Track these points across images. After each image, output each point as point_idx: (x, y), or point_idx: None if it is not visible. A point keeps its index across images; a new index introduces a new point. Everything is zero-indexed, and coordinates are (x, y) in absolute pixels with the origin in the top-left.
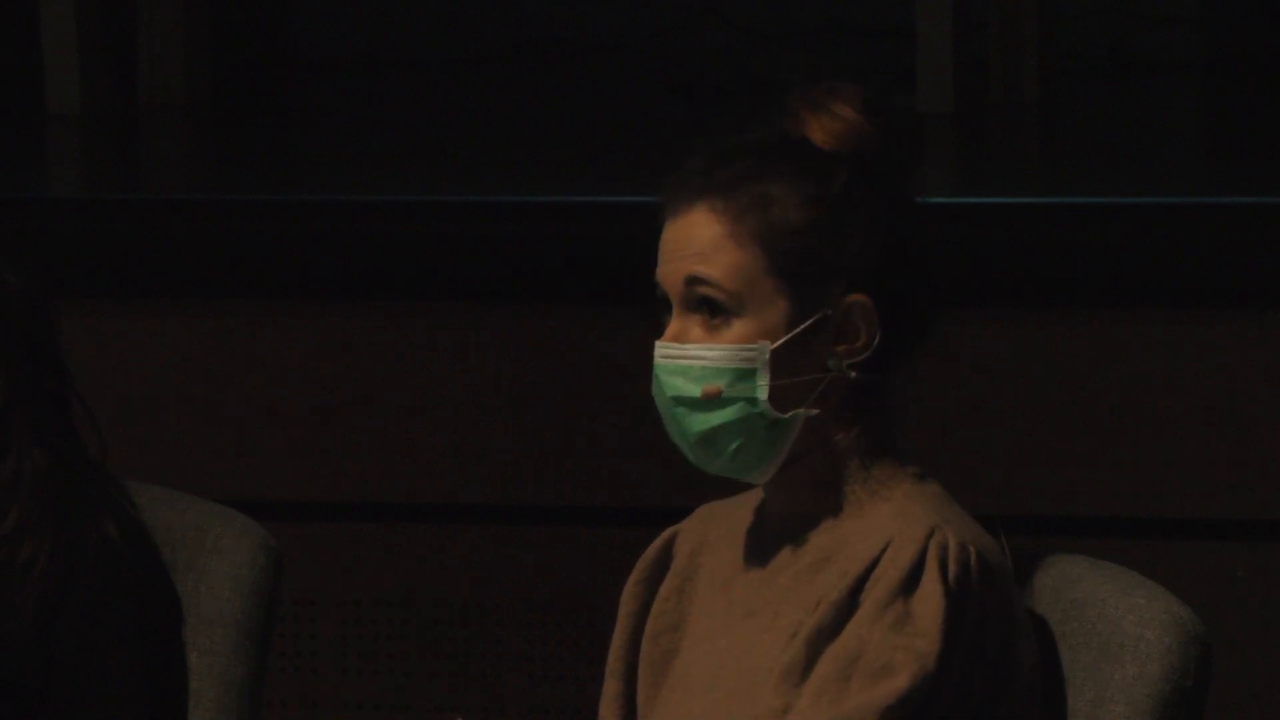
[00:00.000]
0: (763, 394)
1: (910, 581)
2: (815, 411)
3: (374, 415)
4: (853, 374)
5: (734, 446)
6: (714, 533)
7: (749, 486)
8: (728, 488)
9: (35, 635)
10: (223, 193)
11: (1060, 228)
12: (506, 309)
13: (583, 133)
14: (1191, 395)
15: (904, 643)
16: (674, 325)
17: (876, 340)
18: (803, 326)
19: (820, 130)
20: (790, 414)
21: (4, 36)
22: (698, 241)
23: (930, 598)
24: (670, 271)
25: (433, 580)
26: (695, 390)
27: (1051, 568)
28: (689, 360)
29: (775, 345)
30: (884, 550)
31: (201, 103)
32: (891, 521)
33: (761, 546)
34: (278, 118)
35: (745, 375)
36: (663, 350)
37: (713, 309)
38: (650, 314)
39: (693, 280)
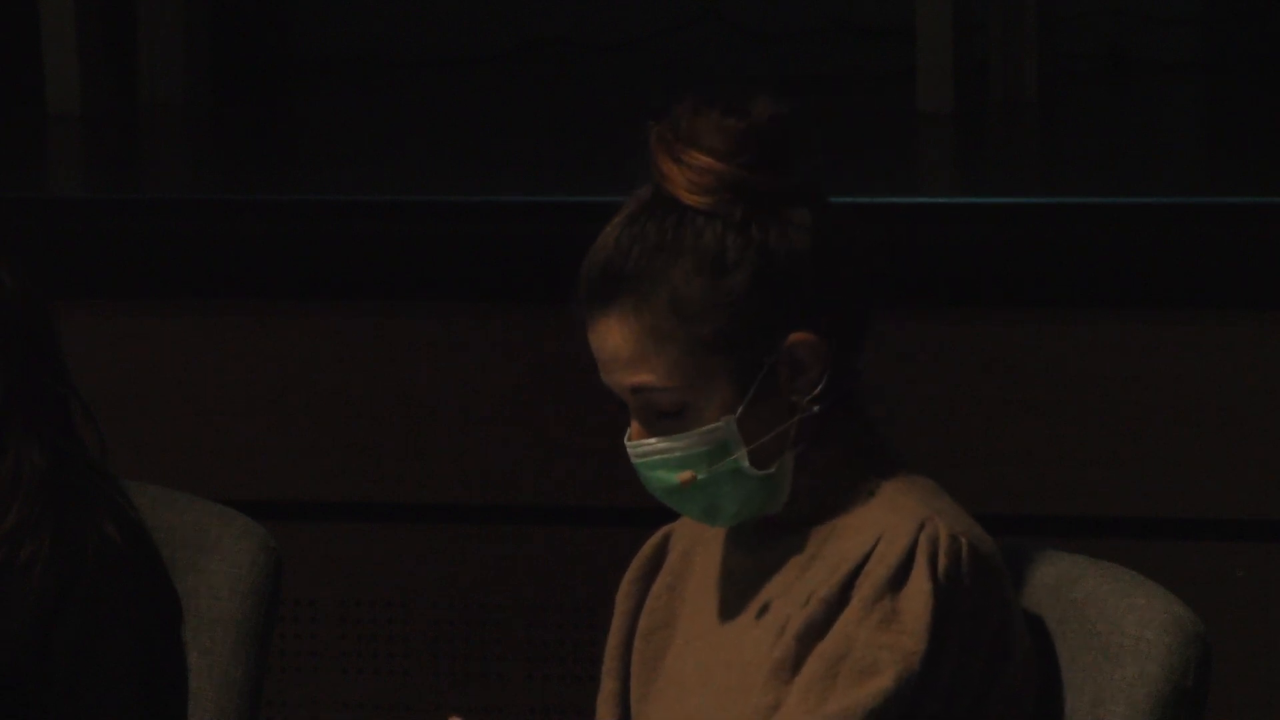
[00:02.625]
0: (744, 462)
1: (899, 577)
2: (801, 447)
3: (374, 415)
4: (816, 408)
5: (736, 507)
6: (707, 531)
7: None
8: None
9: (34, 635)
10: (223, 193)
11: (1060, 228)
12: (506, 309)
13: (583, 133)
14: (1191, 395)
15: (890, 641)
16: (635, 426)
17: (829, 368)
18: (754, 388)
19: (682, 187)
20: (776, 465)
21: (4, 36)
22: (623, 352)
23: (918, 594)
24: (613, 382)
25: (433, 580)
26: (675, 479)
27: (1051, 568)
28: (662, 455)
29: (737, 415)
30: (875, 545)
31: (201, 103)
32: (882, 516)
33: (752, 544)
34: (278, 118)
35: (720, 452)
36: (634, 449)
37: (666, 406)
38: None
39: (637, 390)
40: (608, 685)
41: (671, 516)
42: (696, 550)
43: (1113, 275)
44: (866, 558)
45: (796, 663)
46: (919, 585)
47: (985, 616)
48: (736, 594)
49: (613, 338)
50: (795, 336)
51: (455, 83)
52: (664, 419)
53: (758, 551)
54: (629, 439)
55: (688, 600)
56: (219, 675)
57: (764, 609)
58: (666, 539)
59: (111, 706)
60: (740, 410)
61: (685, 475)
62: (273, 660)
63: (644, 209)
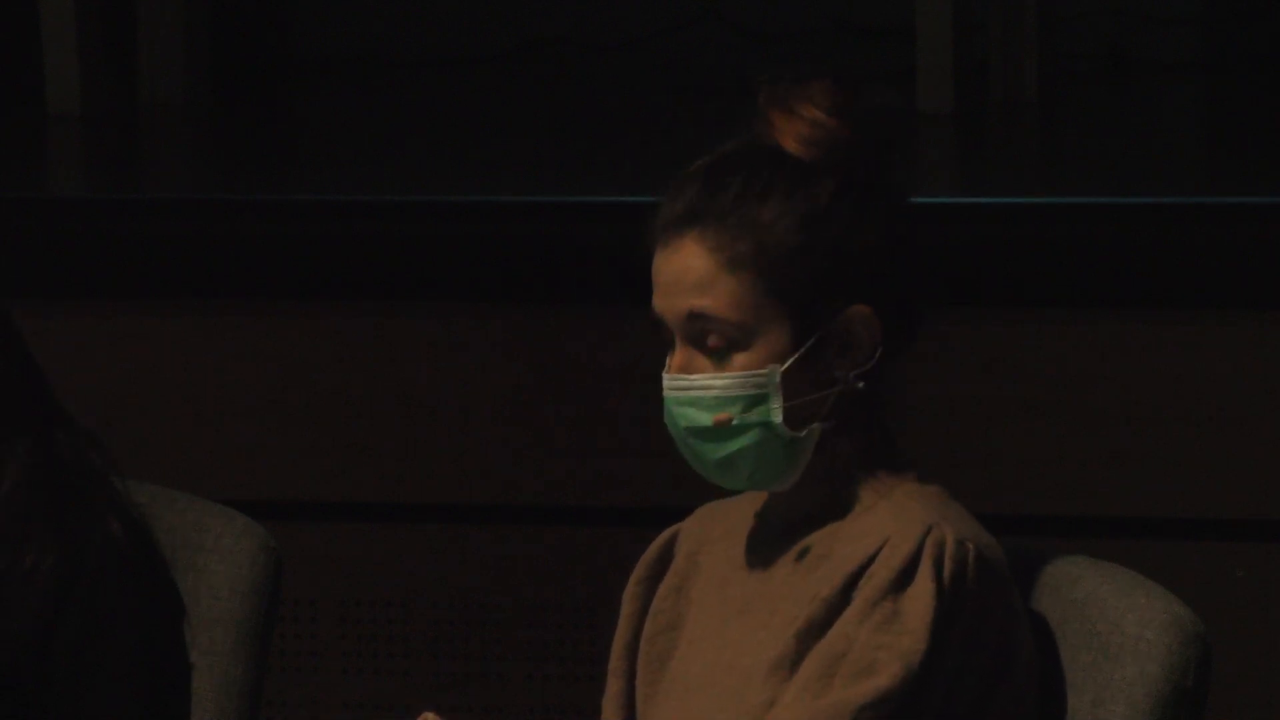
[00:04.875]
0: (777, 417)
1: (903, 579)
2: (830, 424)
3: (374, 415)
4: (860, 384)
5: (752, 467)
6: (714, 532)
7: None
8: (730, 488)
9: (36, 634)
10: (223, 193)
11: (1060, 228)
12: (506, 309)
13: (583, 133)
14: (1191, 395)
15: (889, 641)
16: (679, 356)
17: (880, 349)
18: (808, 345)
19: (791, 137)
20: (805, 431)
21: (4, 36)
22: (693, 274)
23: (921, 596)
24: (669, 306)
25: (433, 580)
26: (707, 420)
27: (1051, 568)
28: (699, 391)
29: (784, 368)
30: (880, 549)
31: (201, 103)
32: (889, 521)
33: (760, 546)
34: (278, 118)
35: (757, 400)
36: (671, 382)
37: (718, 339)
38: (647, 315)
39: (694, 316)
40: (613, 686)
41: (675, 517)
42: (703, 552)
43: (1113, 275)
44: (870, 560)
45: (795, 661)
46: (922, 587)
47: (989, 623)
48: (743, 596)
49: (686, 260)
50: (858, 308)
51: (455, 83)
52: (709, 355)
53: (766, 554)
54: (667, 370)
55: (694, 601)
56: (219, 675)
57: (771, 612)
58: (673, 540)
59: (114, 705)
60: (788, 364)
61: (723, 415)
62: (273, 660)
63: (737, 155)
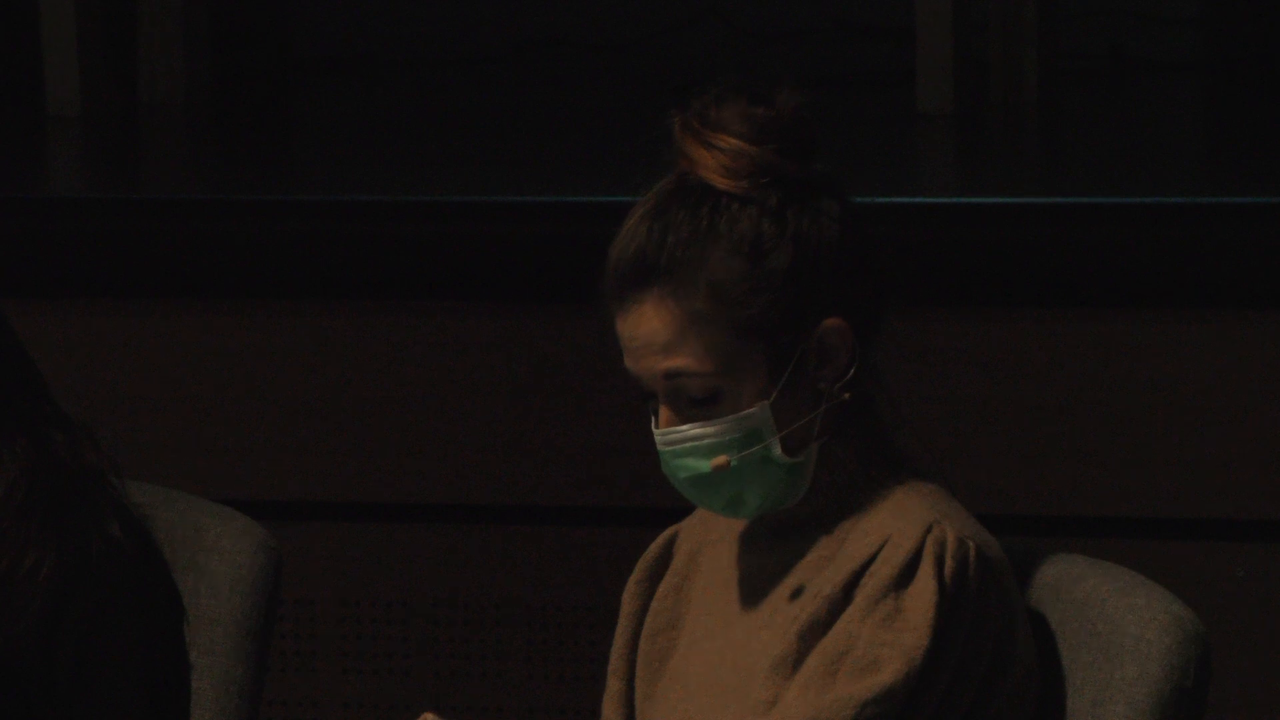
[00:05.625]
0: (776, 450)
1: (904, 577)
2: (823, 440)
3: (374, 415)
4: (846, 395)
5: (760, 498)
6: (714, 532)
7: None
8: None
9: (38, 637)
10: (223, 193)
11: (1060, 228)
12: (506, 309)
13: (583, 133)
14: (1192, 395)
15: (891, 639)
16: (665, 413)
17: (856, 355)
18: (788, 372)
19: (715, 171)
20: (804, 454)
21: (4, 36)
22: (660, 336)
23: (923, 593)
24: (644, 369)
25: (433, 580)
26: (706, 466)
27: (1051, 568)
28: (693, 442)
29: (771, 400)
30: (881, 547)
31: (201, 103)
32: (890, 519)
33: (760, 546)
34: (278, 118)
35: (752, 438)
36: (664, 437)
37: (699, 391)
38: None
39: (671, 375)
40: (613, 685)
41: (675, 517)
42: (703, 551)
43: (1113, 275)
44: (871, 558)
45: (797, 660)
46: (924, 585)
47: (989, 621)
48: (745, 596)
49: (648, 323)
50: (828, 322)
51: (455, 83)
52: (694, 406)
53: (767, 554)
54: (657, 428)
55: (694, 601)
56: (219, 675)
57: (773, 610)
58: (672, 540)
59: (114, 706)
60: (774, 396)
61: (720, 460)
62: (273, 660)
63: (670, 198)
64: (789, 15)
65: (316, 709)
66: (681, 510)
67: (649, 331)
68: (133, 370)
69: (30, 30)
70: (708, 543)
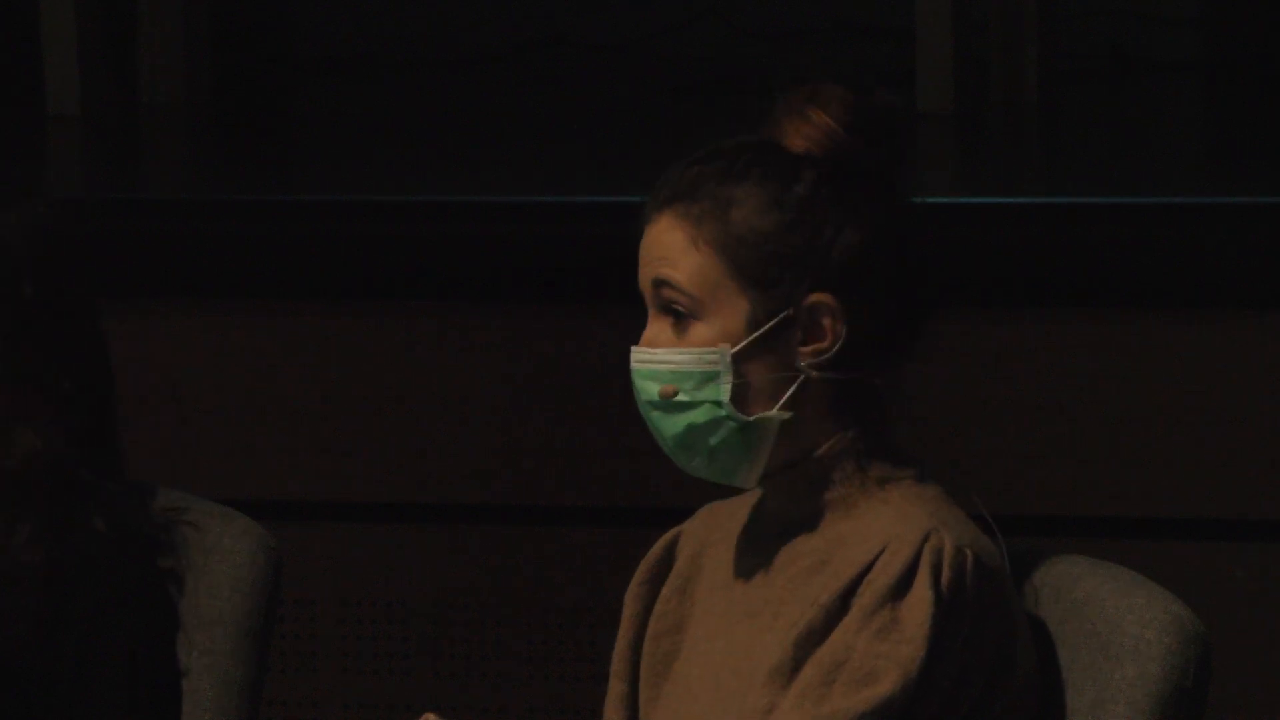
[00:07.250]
0: (725, 395)
1: (901, 587)
2: (787, 415)
3: (374, 415)
4: (815, 374)
5: (709, 449)
6: (715, 533)
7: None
8: (729, 488)
9: (37, 637)
10: (223, 193)
11: (1060, 228)
12: (506, 309)
13: (583, 133)
14: (1191, 395)
15: (888, 650)
16: (649, 329)
17: (842, 340)
18: (764, 329)
19: (795, 135)
20: (756, 416)
21: (4, 36)
22: (663, 246)
23: (920, 603)
24: (642, 275)
25: (433, 580)
26: (655, 391)
27: (1051, 568)
28: (657, 365)
29: (736, 349)
30: (879, 554)
31: (201, 103)
32: (889, 524)
33: (761, 548)
34: (278, 118)
35: (709, 378)
36: (636, 355)
37: (678, 312)
38: (641, 316)
39: (659, 283)
40: (616, 687)
41: (676, 518)
42: (706, 553)
43: (1113, 275)
44: (869, 567)
45: (794, 669)
46: (920, 594)
47: (987, 629)
48: (745, 599)
49: (661, 235)
50: (820, 296)
51: (455, 83)
52: (674, 326)
53: (768, 556)
54: (635, 346)
55: (698, 603)
56: (219, 675)
57: (775, 615)
58: (674, 542)
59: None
60: (741, 345)
61: (668, 387)
62: (273, 660)
63: (732, 144)
64: (789, 15)
65: (316, 709)
66: (683, 511)
67: (658, 241)
68: (133, 370)
69: (30, 30)
70: (710, 545)
